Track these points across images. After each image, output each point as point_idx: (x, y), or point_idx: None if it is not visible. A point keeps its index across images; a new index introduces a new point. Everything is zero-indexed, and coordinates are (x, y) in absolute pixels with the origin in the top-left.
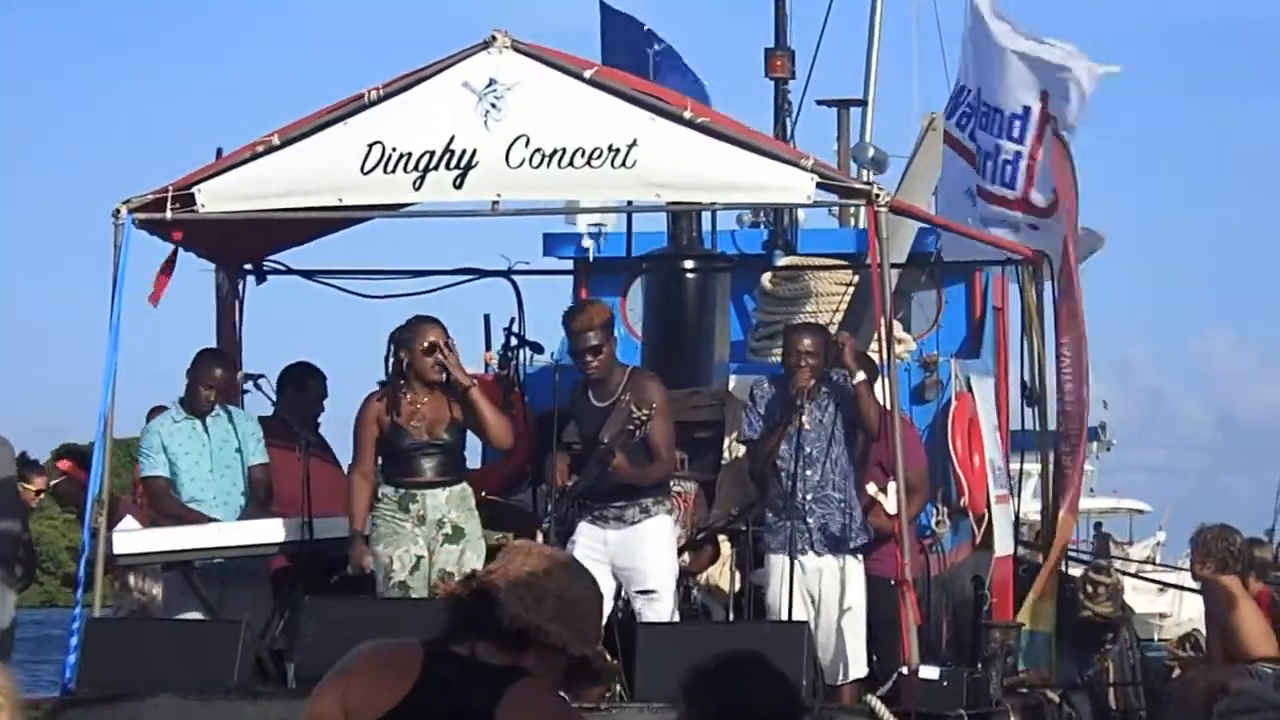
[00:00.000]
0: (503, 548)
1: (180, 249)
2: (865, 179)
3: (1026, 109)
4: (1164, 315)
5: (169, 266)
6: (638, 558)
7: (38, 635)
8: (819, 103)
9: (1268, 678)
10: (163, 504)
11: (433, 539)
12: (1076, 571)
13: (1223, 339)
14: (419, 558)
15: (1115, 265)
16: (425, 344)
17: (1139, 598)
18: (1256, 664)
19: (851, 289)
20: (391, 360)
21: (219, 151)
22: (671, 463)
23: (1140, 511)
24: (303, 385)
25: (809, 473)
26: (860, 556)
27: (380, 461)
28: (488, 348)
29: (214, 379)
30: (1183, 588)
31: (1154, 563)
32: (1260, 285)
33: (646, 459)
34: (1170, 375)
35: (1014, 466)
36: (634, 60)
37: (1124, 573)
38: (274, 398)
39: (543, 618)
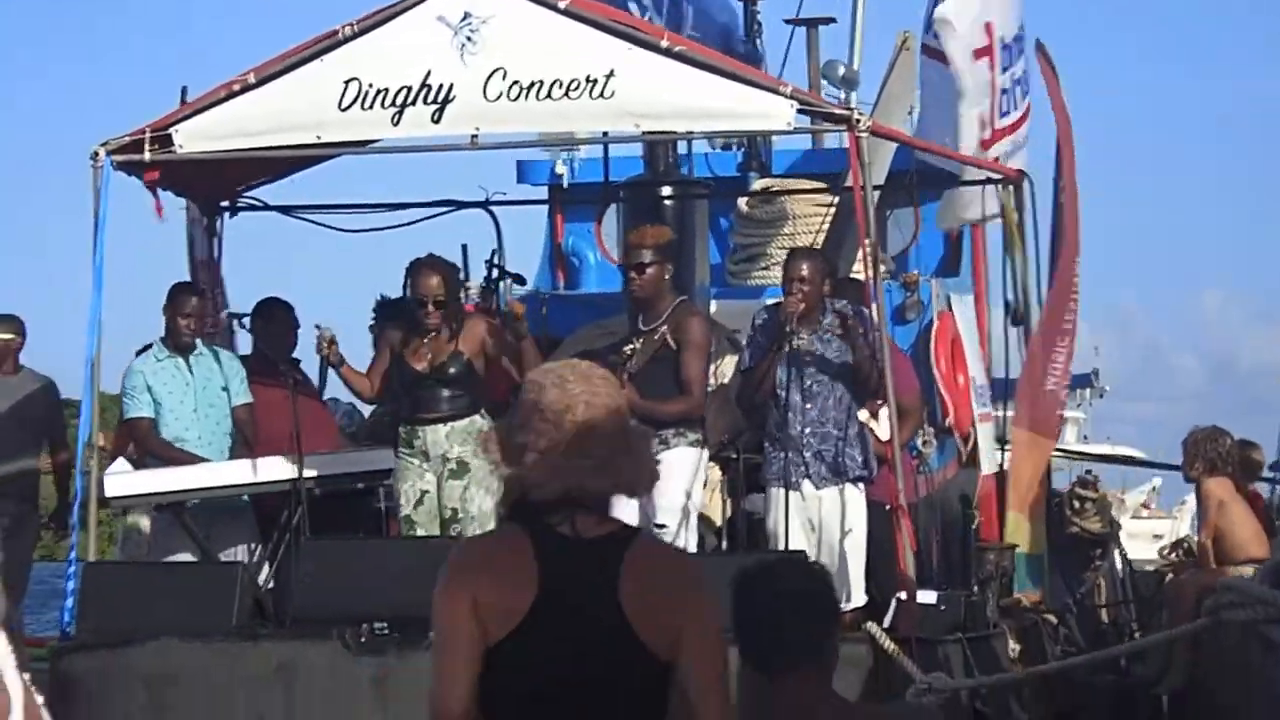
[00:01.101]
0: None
1: (158, 186)
2: (845, 103)
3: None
4: (1161, 267)
5: (157, 199)
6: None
7: (40, 589)
8: (787, 21)
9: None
10: (149, 445)
11: (439, 474)
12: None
13: (1219, 290)
14: (424, 492)
15: (1117, 215)
16: (419, 294)
17: (1134, 544)
18: (1247, 564)
19: (830, 210)
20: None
21: (184, 91)
22: (699, 400)
23: (1134, 459)
24: (269, 316)
25: (808, 406)
26: (861, 485)
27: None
28: (467, 278)
29: (189, 308)
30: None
31: (1149, 508)
32: (1259, 235)
33: (676, 392)
34: (1166, 327)
35: (998, 413)
36: None
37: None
38: (250, 331)
39: (614, 479)
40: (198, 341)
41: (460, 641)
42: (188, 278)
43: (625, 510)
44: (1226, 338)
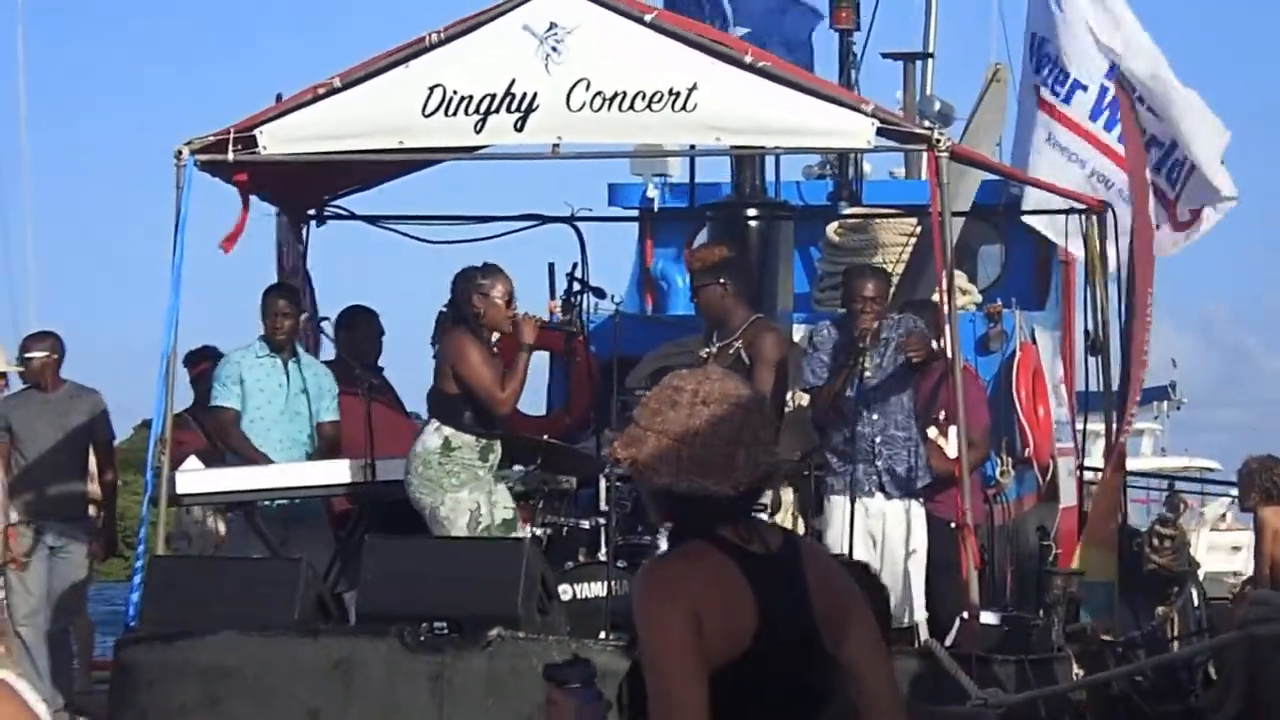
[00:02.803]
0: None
1: (243, 190)
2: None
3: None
4: (1243, 267)
5: (245, 205)
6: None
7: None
8: (884, 55)
9: None
10: (229, 436)
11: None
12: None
13: None
14: (488, 506)
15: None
16: (506, 296)
17: (1212, 555)
18: None
19: (914, 239)
20: (464, 305)
21: (279, 96)
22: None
23: (1210, 470)
24: (352, 324)
25: (874, 415)
26: (923, 500)
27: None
28: (552, 296)
29: (280, 309)
30: None
31: (1226, 519)
32: None
33: None
34: (1251, 330)
35: (1079, 426)
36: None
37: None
38: (332, 339)
39: (739, 478)
40: (299, 348)
41: (696, 663)
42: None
43: None
44: None
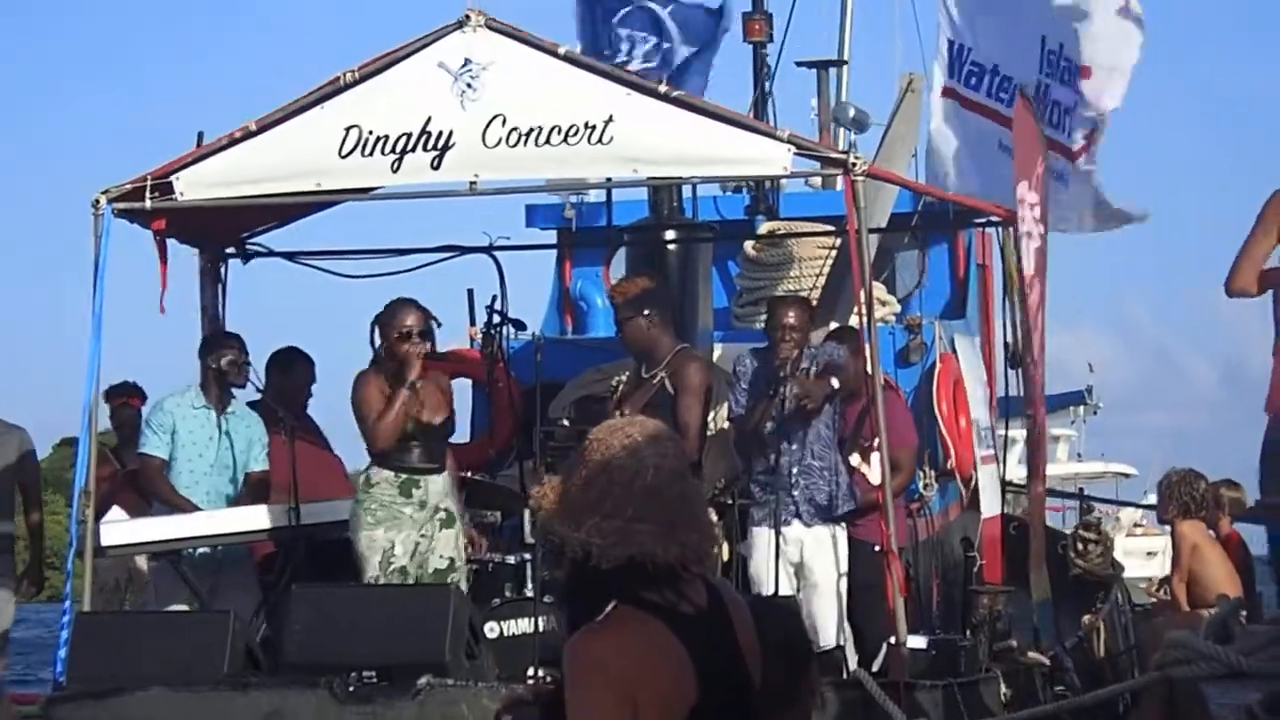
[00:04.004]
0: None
1: (161, 234)
2: (842, 148)
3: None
4: (1164, 267)
5: (163, 258)
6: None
7: (48, 635)
8: (798, 64)
9: (1202, 626)
10: (155, 484)
11: (428, 524)
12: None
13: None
14: (416, 544)
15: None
16: (400, 330)
17: (1129, 561)
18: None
19: (834, 253)
20: (377, 344)
21: (200, 136)
22: (695, 445)
23: (1127, 475)
24: (289, 369)
25: (791, 445)
26: (844, 525)
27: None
28: (472, 323)
29: (234, 357)
30: None
31: (1142, 524)
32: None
33: None
34: (1173, 331)
35: (1000, 432)
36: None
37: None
38: (259, 384)
39: (681, 545)
40: (233, 400)
41: None
42: (199, 324)
43: None
44: (1238, 340)
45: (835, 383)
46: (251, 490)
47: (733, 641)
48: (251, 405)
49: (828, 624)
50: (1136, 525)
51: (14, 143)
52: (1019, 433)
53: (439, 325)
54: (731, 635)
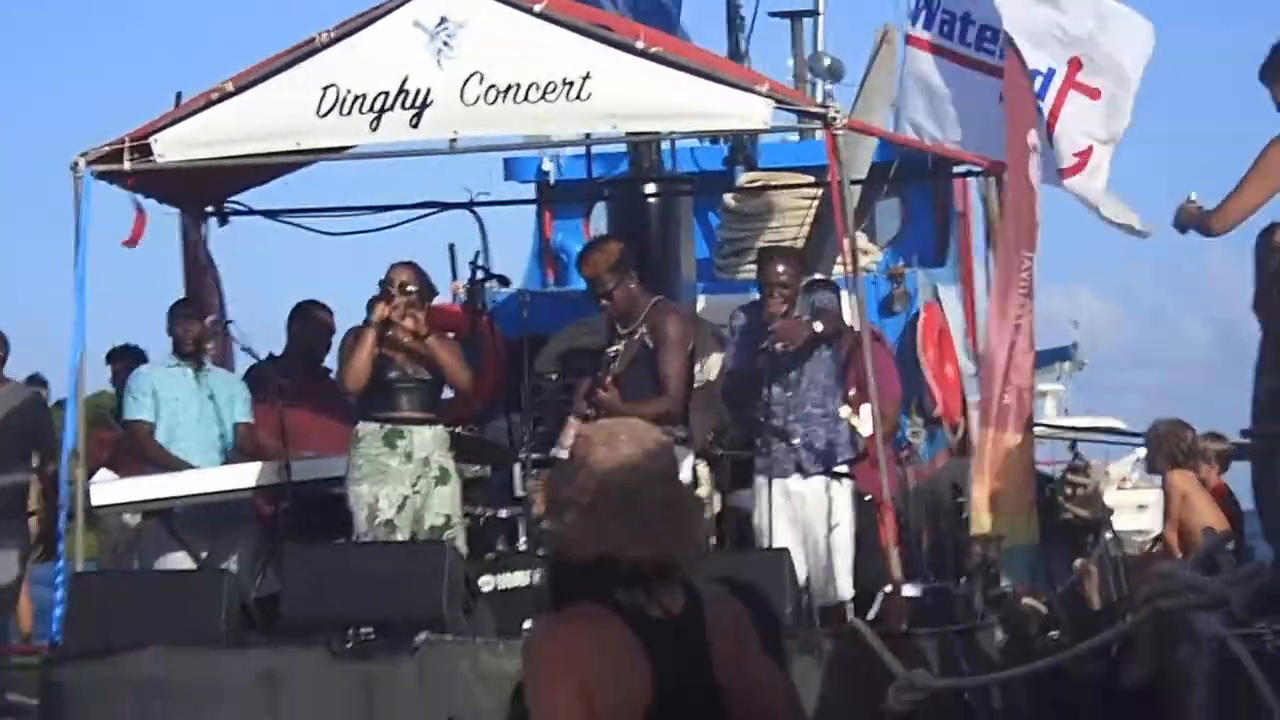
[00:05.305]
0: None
1: (142, 194)
2: (822, 102)
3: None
4: (1163, 230)
5: (140, 207)
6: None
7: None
8: (772, 14)
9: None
10: (146, 449)
11: (420, 477)
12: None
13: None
14: (405, 497)
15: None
16: (391, 285)
17: (1119, 516)
18: None
19: (815, 203)
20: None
21: (178, 96)
22: (677, 397)
23: (1116, 430)
24: (307, 317)
25: (787, 393)
26: (844, 480)
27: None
28: (454, 278)
29: (183, 317)
30: None
31: (1131, 478)
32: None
33: (653, 393)
34: (1171, 294)
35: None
36: None
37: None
38: (245, 343)
39: (654, 547)
40: (206, 359)
41: None
42: (182, 285)
43: None
44: (1232, 303)
45: (819, 325)
46: (240, 440)
47: (702, 647)
48: (275, 360)
49: (839, 578)
50: (1125, 479)
51: None
52: (1054, 385)
53: (454, 280)
54: (702, 641)
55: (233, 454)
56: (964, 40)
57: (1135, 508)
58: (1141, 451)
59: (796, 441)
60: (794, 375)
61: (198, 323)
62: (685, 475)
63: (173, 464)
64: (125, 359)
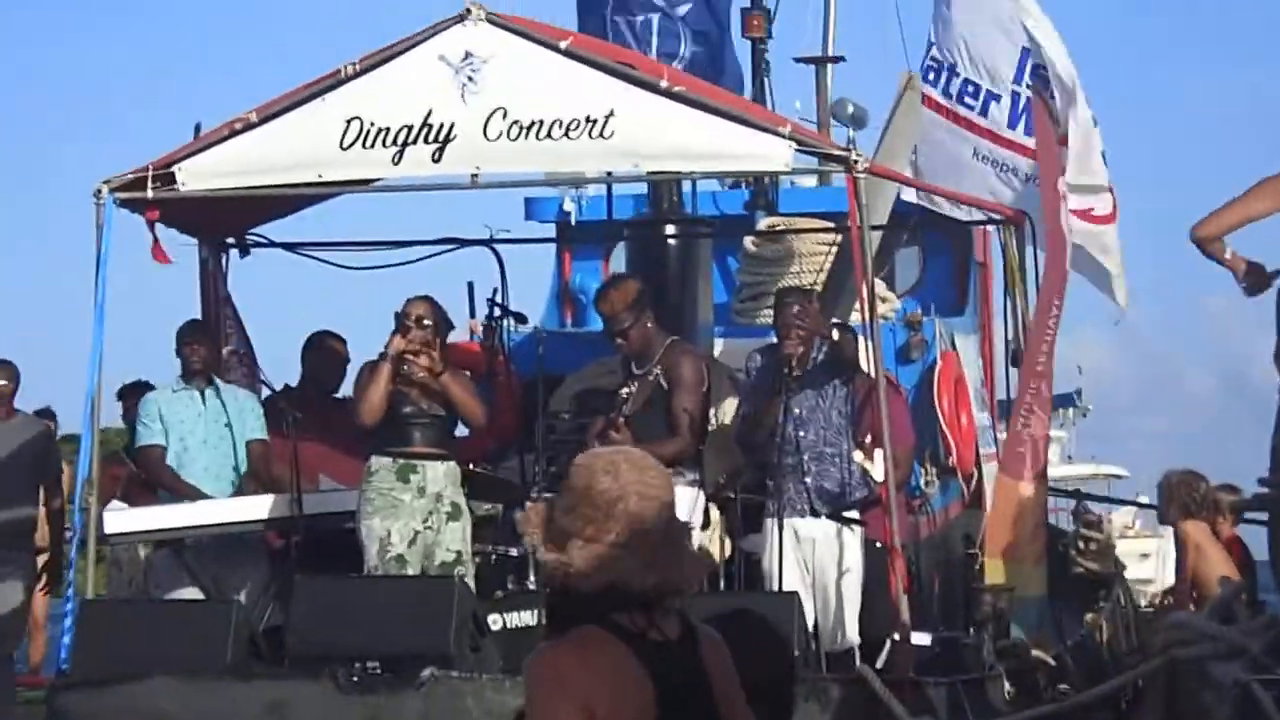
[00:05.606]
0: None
1: (162, 224)
2: (844, 145)
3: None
4: (1170, 275)
5: (155, 243)
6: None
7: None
8: (796, 60)
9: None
10: (158, 474)
11: (432, 513)
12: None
13: (1229, 296)
14: (416, 532)
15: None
16: (408, 319)
17: (1123, 545)
18: None
19: (834, 249)
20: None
21: (198, 127)
22: (690, 438)
23: (1118, 477)
24: (320, 347)
25: (802, 434)
26: (855, 526)
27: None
28: (472, 315)
29: (195, 341)
30: None
31: (1133, 526)
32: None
33: (666, 434)
34: (1176, 338)
35: (1000, 433)
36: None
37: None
38: (261, 372)
39: (661, 574)
40: (214, 378)
41: None
42: (198, 315)
43: None
44: (1236, 348)
45: (835, 333)
46: (252, 459)
47: (701, 672)
48: (290, 390)
49: (847, 624)
50: (1128, 528)
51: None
52: (1058, 432)
53: (472, 318)
54: (700, 667)
55: (245, 476)
56: (946, 91)
57: (1138, 556)
58: (1144, 499)
59: (809, 480)
60: (807, 413)
61: (205, 342)
62: (696, 518)
63: (184, 489)
64: (136, 395)
